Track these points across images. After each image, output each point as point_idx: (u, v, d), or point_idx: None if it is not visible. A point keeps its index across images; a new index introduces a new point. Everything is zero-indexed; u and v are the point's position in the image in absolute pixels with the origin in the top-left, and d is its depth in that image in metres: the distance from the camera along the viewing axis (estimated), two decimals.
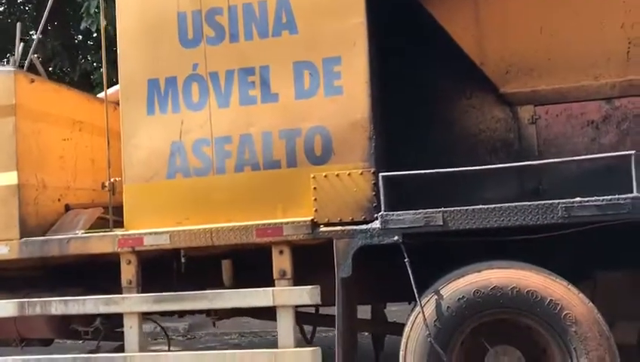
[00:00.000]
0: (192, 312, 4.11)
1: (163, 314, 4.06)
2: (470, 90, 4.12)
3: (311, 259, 3.59)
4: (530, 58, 3.86)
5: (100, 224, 4.15)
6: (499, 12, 3.80)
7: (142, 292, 3.76)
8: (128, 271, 3.73)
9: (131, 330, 3.67)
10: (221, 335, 7.75)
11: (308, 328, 4.77)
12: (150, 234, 3.66)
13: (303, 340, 4.40)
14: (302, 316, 4.45)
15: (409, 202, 3.48)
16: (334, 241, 3.42)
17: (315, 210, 3.51)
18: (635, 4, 3.62)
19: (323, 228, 3.49)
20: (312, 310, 4.49)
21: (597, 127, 3.92)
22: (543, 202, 3.21)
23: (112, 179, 3.89)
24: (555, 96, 3.94)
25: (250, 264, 3.84)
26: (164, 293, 3.65)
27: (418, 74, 4.10)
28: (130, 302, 3.68)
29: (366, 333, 5.20)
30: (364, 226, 3.41)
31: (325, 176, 3.51)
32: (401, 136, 4.08)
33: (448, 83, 4.14)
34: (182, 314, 4.28)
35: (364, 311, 4.83)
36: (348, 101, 3.52)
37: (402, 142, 4.07)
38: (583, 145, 3.90)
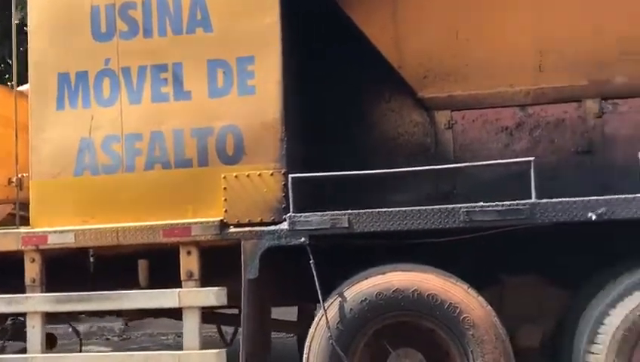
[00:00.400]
0: (100, 313, 4.02)
1: (69, 314, 3.95)
2: (389, 93, 4.15)
3: (223, 260, 3.55)
4: (447, 63, 3.91)
5: (11, 220, 4.03)
6: (416, 16, 3.82)
7: (52, 292, 3.66)
8: (32, 270, 3.62)
9: (34, 330, 3.56)
10: (157, 335, 7.63)
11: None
12: (54, 232, 3.56)
13: (220, 341, 4.37)
14: (222, 317, 4.41)
15: (328, 204, 3.48)
16: (242, 242, 3.39)
17: (225, 211, 3.47)
18: (545, 15, 3.69)
19: (232, 229, 3.45)
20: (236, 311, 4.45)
21: (511, 134, 3.99)
22: (445, 206, 3.24)
23: (19, 175, 3.77)
24: (471, 102, 3.99)
25: (169, 264, 3.77)
26: (67, 293, 3.56)
27: (338, 75, 4.12)
28: (34, 302, 3.58)
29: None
30: (271, 227, 3.39)
31: (236, 176, 3.47)
32: (323, 138, 4.09)
33: (368, 85, 4.16)
34: (92, 314, 4.18)
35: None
36: (260, 101, 3.50)
37: (323, 143, 4.07)
38: (497, 151, 3.96)
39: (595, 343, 3.07)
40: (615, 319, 3.04)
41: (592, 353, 3.07)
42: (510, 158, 3.77)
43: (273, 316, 4.17)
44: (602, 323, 3.07)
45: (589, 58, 3.74)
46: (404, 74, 3.96)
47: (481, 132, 4.02)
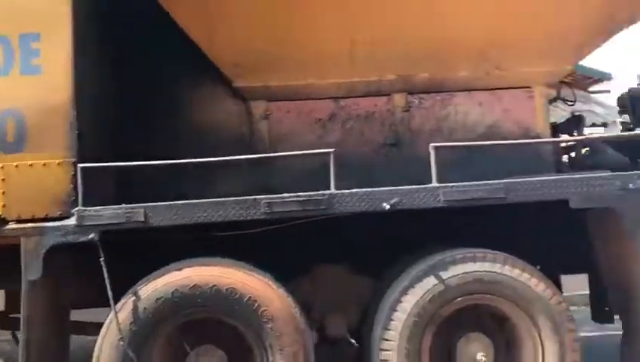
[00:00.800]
0: None
1: None
2: (205, 81, 3.99)
3: (6, 259, 3.17)
4: (262, 53, 3.82)
5: None
6: (228, 5, 3.68)
7: None
8: None
9: None
10: None
11: None
12: None
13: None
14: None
15: (136, 198, 3.23)
16: (22, 240, 3.05)
17: (4, 205, 3.10)
18: (356, 10, 3.73)
19: (11, 225, 3.09)
20: None
21: (324, 125, 4.01)
22: (245, 198, 3.15)
23: None
24: (287, 93, 3.96)
25: None
26: None
27: (152, 62, 3.89)
28: None
29: None
30: (56, 223, 3.08)
31: (17, 166, 3.12)
32: (132, 128, 3.83)
33: (182, 73, 3.96)
34: None
35: None
36: (47, 82, 3.17)
37: (133, 134, 3.82)
38: (311, 142, 3.94)
39: (389, 330, 3.15)
40: (406, 305, 3.14)
41: (386, 340, 3.14)
42: (324, 150, 3.78)
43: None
44: (395, 310, 3.16)
45: (397, 54, 3.86)
46: (218, 63, 3.82)
47: (296, 123, 4.00)
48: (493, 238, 3.51)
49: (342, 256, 3.73)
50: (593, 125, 9.33)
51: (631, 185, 3.17)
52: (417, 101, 4.02)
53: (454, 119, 4.03)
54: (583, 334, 4.77)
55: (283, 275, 3.46)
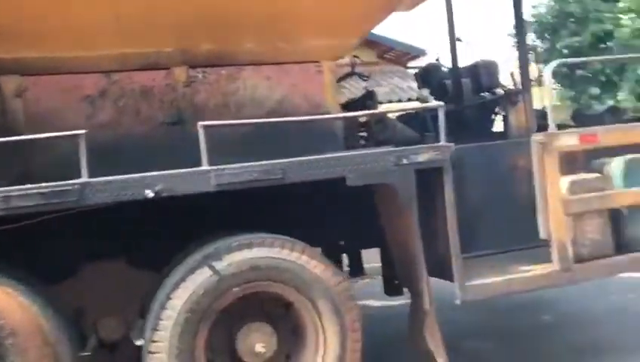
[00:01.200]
0: None
1: None
2: None
3: None
4: (14, 22, 3.22)
5: None
6: None
7: None
8: None
9: None
10: None
11: None
12: None
13: None
14: None
15: None
16: None
17: None
18: None
19: None
20: None
21: (93, 103, 3.54)
22: None
23: None
24: (45, 66, 3.41)
25: None
26: None
27: None
28: None
29: None
30: None
31: None
32: None
33: None
34: None
35: None
36: None
37: None
38: (78, 122, 3.42)
39: (158, 330, 2.84)
40: (177, 302, 2.85)
41: (155, 341, 2.83)
42: (94, 130, 3.33)
43: None
44: (165, 309, 2.85)
45: (172, 23, 3.48)
46: None
47: (59, 101, 3.48)
48: (290, 220, 3.35)
49: (118, 250, 3.35)
50: (409, 100, 9.75)
51: (405, 161, 3.15)
52: (201, 75, 3.70)
53: (243, 94, 3.77)
54: (391, 303, 4.88)
55: (44, 279, 3.02)
